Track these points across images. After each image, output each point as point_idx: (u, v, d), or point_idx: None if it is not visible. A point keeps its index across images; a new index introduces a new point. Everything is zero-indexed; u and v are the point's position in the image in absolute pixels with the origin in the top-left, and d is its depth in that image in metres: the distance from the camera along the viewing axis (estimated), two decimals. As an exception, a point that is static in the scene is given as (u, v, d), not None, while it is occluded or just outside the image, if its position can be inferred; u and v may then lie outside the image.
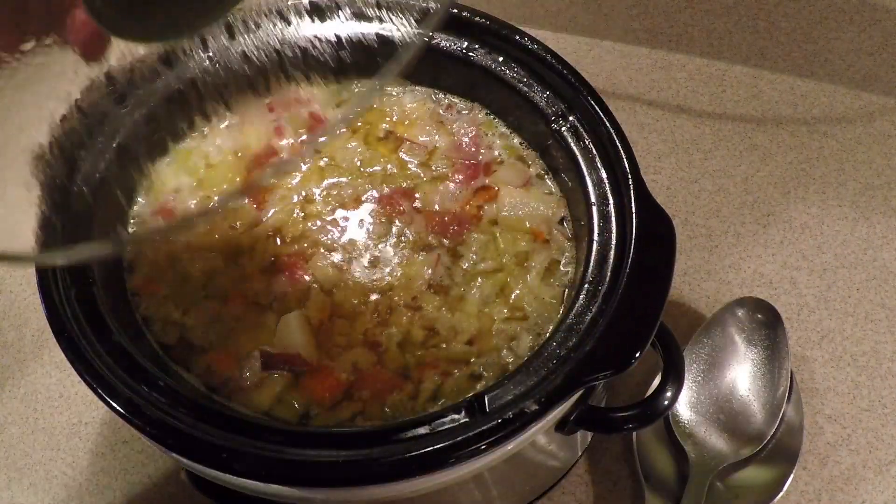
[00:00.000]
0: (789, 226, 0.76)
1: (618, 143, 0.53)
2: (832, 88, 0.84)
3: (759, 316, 0.67)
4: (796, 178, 0.79)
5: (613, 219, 0.51)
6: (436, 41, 0.59)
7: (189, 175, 0.60)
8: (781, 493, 0.60)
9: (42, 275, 0.49)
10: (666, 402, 0.49)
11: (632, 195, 0.51)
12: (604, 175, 0.53)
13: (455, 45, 0.59)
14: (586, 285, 0.49)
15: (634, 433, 0.64)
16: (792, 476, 0.61)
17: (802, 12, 0.90)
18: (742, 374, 0.65)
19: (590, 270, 0.50)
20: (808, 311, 0.71)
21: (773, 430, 0.63)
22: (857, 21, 0.89)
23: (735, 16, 0.90)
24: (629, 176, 0.52)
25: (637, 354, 0.45)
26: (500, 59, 0.58)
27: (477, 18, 0.58)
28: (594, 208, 0.52)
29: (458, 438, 0.43)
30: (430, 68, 0.61)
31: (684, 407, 0.64)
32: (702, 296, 0.72)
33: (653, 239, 0.49)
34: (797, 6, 0.90)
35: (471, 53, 0.59)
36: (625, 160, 0.52)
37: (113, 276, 0.55)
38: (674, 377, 0.50)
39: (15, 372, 0.72)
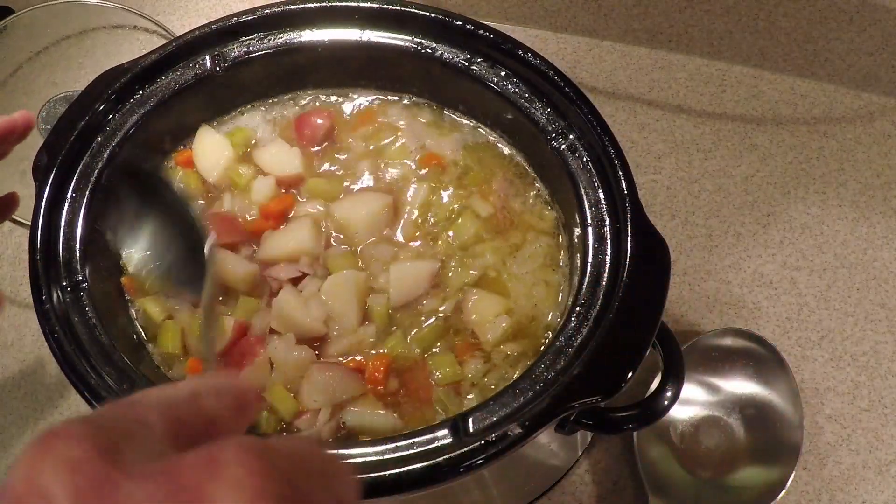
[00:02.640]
0: (789, 226, 0.76)
1: (616, 164, 0.52)
2: (832, 88, 0.84)
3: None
4: (796, 178, 0.79)
5: (609, 241, 0.50)
6: (438, 53, 0.58)
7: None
8: (782, 493, 0.60)
9: (35, 276, 0.49)
10: (666, 402, 0.49)
11: (628, 217, 0.50)
12: (601, 195, 0.52)
13: (458, 57, 0.58)
14: (578, 307, 0.49)
15: (635, 433, 0.64)
16: (792, 476, 0.61)
17: (802, 12, 0.90)
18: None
19: (582, 293, 0.49)
20: (808, 311, 0.71)
21: (774, 433, 0.63)
22: (857, 21, 0.89)
23: (735, 16, 0.90)
24: (626, 197, 0.51)
25: (627, 378, 0.44)
26: (503, 73, 0.57)
27: (481, 31, 0.57)
28: (590, 229, 0.51)
29: (439, 459, 0.42)
30: (431, 81, 0.61)
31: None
32: (702, 296, 0.72)
33: (647, 265, 0.49)
34: (797, 6, 0.90)
35: (473, 67, 0.58)
36: (623, 181, 0.51)
37: (108, 280, 0.55)
38: (674, 377, 0.49)
39: (15, 372, 0.72)
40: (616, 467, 0.64)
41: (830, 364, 0.68)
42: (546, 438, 0.53)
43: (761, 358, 0.65)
